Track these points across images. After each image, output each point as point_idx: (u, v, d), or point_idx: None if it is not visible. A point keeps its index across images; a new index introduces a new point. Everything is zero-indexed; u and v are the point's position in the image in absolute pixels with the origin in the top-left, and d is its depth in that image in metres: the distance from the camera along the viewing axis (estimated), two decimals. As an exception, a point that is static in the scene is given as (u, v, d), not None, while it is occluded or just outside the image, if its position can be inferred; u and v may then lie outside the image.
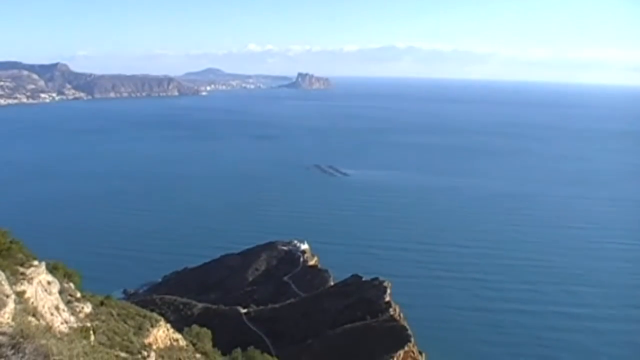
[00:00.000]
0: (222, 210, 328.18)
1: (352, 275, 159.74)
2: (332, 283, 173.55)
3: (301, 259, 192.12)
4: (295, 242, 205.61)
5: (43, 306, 31.47)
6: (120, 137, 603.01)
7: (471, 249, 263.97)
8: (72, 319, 36.13)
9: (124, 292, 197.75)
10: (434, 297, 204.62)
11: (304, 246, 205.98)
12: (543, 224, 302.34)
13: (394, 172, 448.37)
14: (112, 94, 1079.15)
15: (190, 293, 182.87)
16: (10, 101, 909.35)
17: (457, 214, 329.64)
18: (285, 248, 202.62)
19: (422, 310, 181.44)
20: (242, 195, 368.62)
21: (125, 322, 55.38)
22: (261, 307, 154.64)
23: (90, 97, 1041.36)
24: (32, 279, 32.07)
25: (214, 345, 76.01)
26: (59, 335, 21.54)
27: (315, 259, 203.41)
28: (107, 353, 33.89)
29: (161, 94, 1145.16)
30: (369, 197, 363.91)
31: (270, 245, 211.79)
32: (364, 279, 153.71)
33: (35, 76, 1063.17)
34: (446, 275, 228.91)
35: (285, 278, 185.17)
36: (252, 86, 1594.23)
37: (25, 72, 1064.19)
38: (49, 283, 34.41)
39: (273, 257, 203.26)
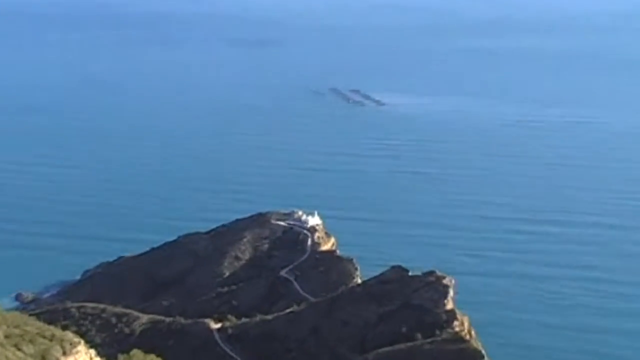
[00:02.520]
0: (183, 165, 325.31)
1: (392, 268, 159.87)
2: (358, 279, 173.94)
3: (309, 242, 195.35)
4: (300, 213, 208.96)
5: None
6: (16, 42, 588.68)
7: (583, 229, 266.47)
8: None
9: (18, 298, 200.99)
10: (523, 304, 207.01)
11: (314, 221, 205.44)
12: None
13: (456, 98, 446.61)
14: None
15: (129, 298, 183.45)
16: None
17: (559, 171, 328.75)
18: (282, 223, 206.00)
19: (504, 326, 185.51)
20: (216, 140, 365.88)
21: (19, 349, 57.60)
22: (245, 320, 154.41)
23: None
24: None
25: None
26: None
27: (332, 241, 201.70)
28: None
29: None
30: (416, 141, 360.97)
31: (259, 219, 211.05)
32: (410, 274, 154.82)
33: None
34: (542, 271, 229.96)
35: (284, 272, 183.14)
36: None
37: None
38: None
39: (263, 238, 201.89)
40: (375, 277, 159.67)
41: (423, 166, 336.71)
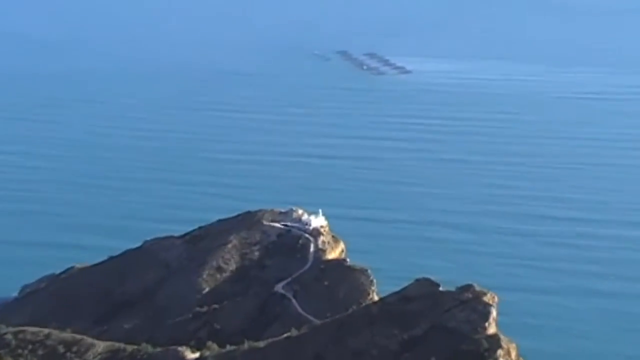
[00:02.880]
0: (148, 148, 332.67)
1: (418, 281, 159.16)
2: (374, 296, 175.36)
3: (311, 248, 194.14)
4: (299, 212, 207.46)
5: None
6: None
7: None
8: None
9: None
10: (593, 330, 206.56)
11: (318, 221, 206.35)
12: None
13: (502, 63, 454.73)
14: None
15: (81, 320, 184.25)
16: None
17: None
18: (278, 225, 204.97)
19: (564, 358, 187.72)
20: (189, 116, 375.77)
21: None
22: (230, 348, 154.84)
23: None
24: None
25: None
26: None
27: (341, 247, 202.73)
28: None
29: None
30: (449, 120, 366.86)
31: (248, 220, 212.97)
32: (441, 289, 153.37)
33: None
34: (620, 288, 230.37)
35: (280, 286, 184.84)
36: None
37: None
38: None
39: (253, 243, 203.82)
40: (396, 293, 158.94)
41: (458, 152, 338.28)
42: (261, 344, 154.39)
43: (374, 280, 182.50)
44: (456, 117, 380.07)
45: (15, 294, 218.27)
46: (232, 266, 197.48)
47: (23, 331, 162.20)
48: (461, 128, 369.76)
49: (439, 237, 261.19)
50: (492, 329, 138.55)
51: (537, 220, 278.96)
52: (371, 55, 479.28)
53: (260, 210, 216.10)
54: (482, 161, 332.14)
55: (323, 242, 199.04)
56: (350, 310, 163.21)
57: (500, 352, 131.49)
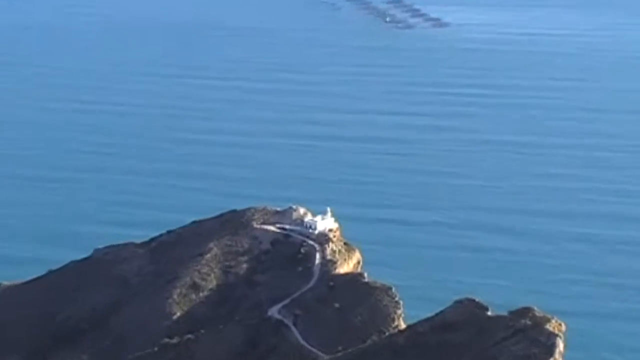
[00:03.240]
0: (97, 127, 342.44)
1: (458, 303, 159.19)
2: (401, 323, 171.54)
3: (316, 259, 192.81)
4: (301, 212, 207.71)
5: None
6: None
7: None
8: None
9: None
10: None
11: (325, 223, 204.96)
12: None
13: (564, 12, 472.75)
14: None
15: (12, 353, 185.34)
16: None
17: None
18: (272, 228, 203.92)
19: None
20: (156, 85, 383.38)
21: None
22: None
23: None
24: None
25: None
26: None
27: (356, 257, 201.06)
28: None
29: None
30: (495, 88, 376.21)
31: (233, 222, 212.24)
32: (489, 313, 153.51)
33: None
34: None
35: (275, 310, 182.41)
36: None
37: None
38: None
39: (240, 252, 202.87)
40: (429, 319, 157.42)
41: (506, 131, 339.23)
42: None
43: (400, 302, 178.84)
44: (504, 85, 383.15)
45: None
46: (212, 283, 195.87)
47: None
48: (510, 99, 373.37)
49: (482, 245, 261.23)
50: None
51: (611, 222, 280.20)
52: (396, 3, 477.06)
53: (249, 209, 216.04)
54: (537, 143, 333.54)
55: (332, 251, 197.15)
56: (369, 342, 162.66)
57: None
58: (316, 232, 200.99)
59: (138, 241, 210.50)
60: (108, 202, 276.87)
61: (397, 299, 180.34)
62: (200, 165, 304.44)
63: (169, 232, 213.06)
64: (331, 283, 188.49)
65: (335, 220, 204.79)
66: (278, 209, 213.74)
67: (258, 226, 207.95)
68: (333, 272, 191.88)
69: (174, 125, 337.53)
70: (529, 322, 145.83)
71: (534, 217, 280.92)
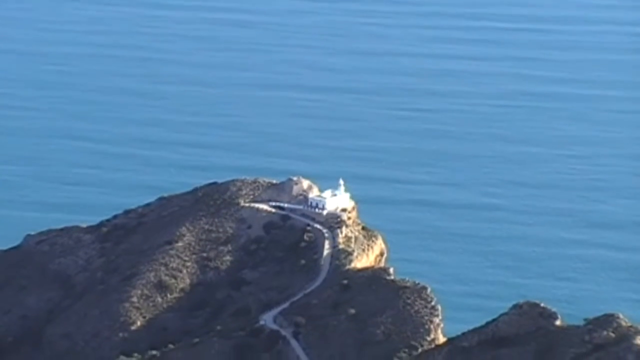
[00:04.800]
0: (35, 74, 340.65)
1: (516, 308, 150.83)
2: (440, 334, 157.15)
3: (325, 248, 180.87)
4: (304, 185, 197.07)
5: None
6: None
7: None
8: None
9: None
10: None
11: (337, 201, 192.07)
12: None
13: None
14: None
15: None
16: None
17: None
18: (266, 207, 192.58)
19: None
20: (106, 17, 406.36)
21: None
22: None
23: None
24: None
25: None
26: None
27: (378, 247, 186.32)
28: None
29: None
30: (541, 33, 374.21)
31: (211, 197, 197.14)
32: (558, 322, 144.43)
33: None
34: None
35: (270, 317, 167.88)
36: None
37: None
38: None
39: (222, 240, 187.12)
40: (477, 330, 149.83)
41: (557, 83, 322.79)
42: None
43: (439, 307, 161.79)
44: (548, 29, 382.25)
45: None
46: (184, 282, 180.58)
47: None
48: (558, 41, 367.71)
49: (539, 235, 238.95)
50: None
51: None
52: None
53: (233, 182, 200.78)
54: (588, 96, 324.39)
55: (347, 238, 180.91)
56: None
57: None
58: (325, 212, 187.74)
59: (84, 225, 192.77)
60: (44, 175, 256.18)
61: (433, 303, 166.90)
62: (166, 125, 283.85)
63: (125, 212, 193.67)
64: (345, 281, 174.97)
65: (351, 197, 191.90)
66: (273, 181, 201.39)
67: (246, 204, 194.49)
68: (347, 267, 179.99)
69: (128, 71, 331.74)
70: (612, 335, 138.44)
71: (608, 198, 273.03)
